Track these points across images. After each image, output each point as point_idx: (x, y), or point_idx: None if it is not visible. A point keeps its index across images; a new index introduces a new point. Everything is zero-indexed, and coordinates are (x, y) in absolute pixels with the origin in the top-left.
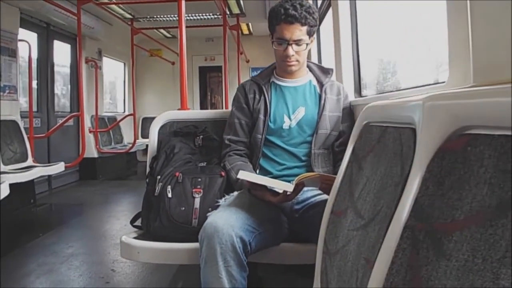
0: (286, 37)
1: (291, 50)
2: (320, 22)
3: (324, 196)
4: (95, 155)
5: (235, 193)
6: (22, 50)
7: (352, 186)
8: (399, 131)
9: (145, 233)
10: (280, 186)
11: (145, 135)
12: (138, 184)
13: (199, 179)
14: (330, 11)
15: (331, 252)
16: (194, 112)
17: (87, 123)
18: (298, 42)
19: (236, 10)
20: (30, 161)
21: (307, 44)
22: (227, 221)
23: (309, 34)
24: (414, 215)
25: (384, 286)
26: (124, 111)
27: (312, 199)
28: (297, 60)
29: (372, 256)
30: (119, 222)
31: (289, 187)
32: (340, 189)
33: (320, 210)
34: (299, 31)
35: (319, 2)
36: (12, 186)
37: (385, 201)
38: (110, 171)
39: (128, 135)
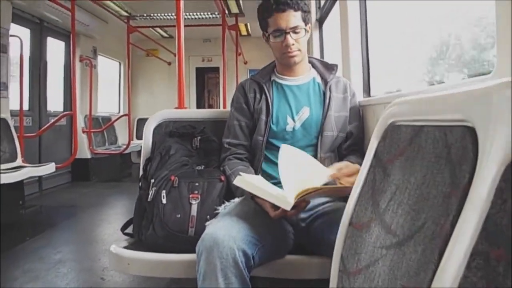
0: (282, 26)
1: (291, 39)
2: (326, 16)
3: (334, 205)
4: (88, 155)
5: (236, 199)
6: (14, 47)
7: (376, 195)
8: (443, 130)
9: (137, 242)
10: (276, 201)
11: (140, 136)
12: (132, 186)
13: (197, 184)
14: (337, 5)
15: (350, 271)
16: (192, 111)
17: (81, 123)
18: (295, 29)
19: (235, 10)
20: (19, 161)
21: (305, 31)
22: (229, 232)
23: (305, 20)
24: (487, 238)
25: None
26: (119, 112)
27: (320, 207)
28: (299, 50)
29: (416, 285)
30: (111, 226)
31: (286, 204)
32: (361, 197)
33: (329, 220)
34: (294, 18)
35: (322, 1)
36: None
37: (430, 215)
38: (103, 172)
39: (122, 136)
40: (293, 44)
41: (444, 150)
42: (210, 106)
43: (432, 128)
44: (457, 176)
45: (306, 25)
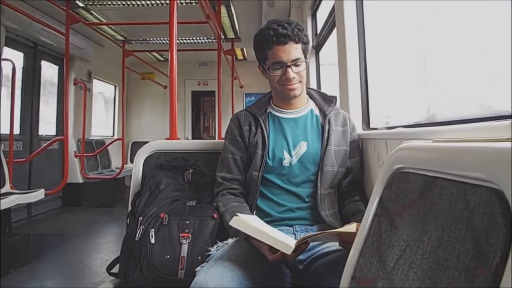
0: (283, 59)
1: (292, 72)
2: (323, 43)
3: (333, 245)
4: (80, 180)
5: (229, 240)
6: (7, 70)
7: (382, 249)
8: (462, 188)
9: (122, 283)
10: (277, 245)
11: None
12: (124, 212)
13: (188, 222)
14: (333, 34)
15: None
16: (184, 143)
17: (73, 147)
18: (296, 62)
19: (231, 35)
20: (7, 188)
21: (306, 63)
22: (220, 282)
23: (304, 53)
24: None
25: None
26: (113, 135)
27: (319, 248)
28: (300, 82)
29: None
30: (100, 257)
31: (287, 248)
32: (364, 249)
33: (328, 262)
34: (295, 50)
35: (319, 28)
36: None
37: None
38: (95, 197)
39: (116, 160)
40: (294, 77)
41: (464, 213)
42: (206, 129)
43: (447, 182)
44: (484, 251)
45: (305, 57)
